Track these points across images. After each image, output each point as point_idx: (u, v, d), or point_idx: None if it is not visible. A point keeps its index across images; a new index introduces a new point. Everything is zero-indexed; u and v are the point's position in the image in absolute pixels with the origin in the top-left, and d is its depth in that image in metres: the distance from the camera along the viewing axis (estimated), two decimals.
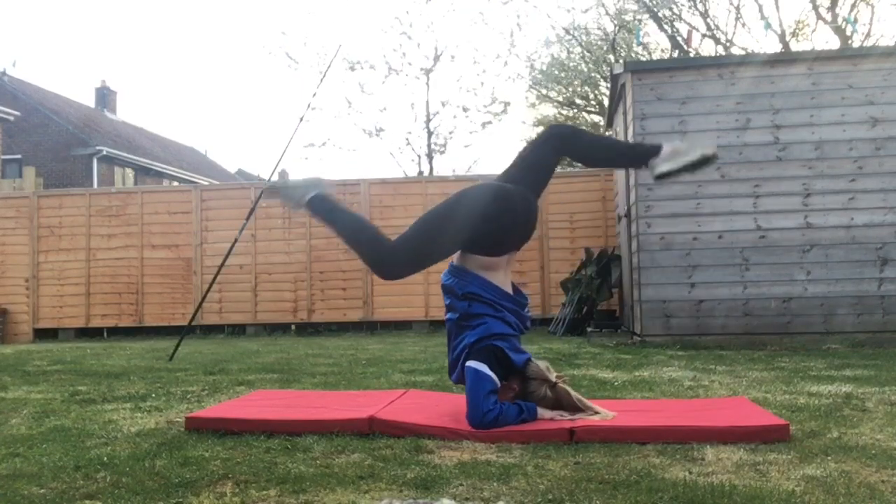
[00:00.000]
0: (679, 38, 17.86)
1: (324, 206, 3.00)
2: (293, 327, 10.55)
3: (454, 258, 2.97)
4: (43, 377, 4.85)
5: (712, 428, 2.57)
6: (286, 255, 10.57)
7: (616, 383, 4.08)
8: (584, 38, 19.36)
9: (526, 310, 2.99)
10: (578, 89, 20.81)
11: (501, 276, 2.92)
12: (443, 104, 20.57)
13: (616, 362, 5.18)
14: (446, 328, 3.00)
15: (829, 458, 2.30)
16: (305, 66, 28.89)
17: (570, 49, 20.12)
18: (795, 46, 16.88)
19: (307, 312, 10.45)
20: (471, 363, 2.75)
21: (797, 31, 17.37)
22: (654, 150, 2.96)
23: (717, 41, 17.70)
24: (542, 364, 2.85)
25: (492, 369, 2.74)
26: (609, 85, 11.92)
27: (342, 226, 3.01)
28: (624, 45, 18.72)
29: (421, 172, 19.70)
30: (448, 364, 2.99)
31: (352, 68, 19.28)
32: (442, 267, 2.97)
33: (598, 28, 19.27)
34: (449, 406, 3.07)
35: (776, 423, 2.62)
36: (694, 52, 17.30)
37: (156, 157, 24.53)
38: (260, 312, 10.56)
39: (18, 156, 20.49)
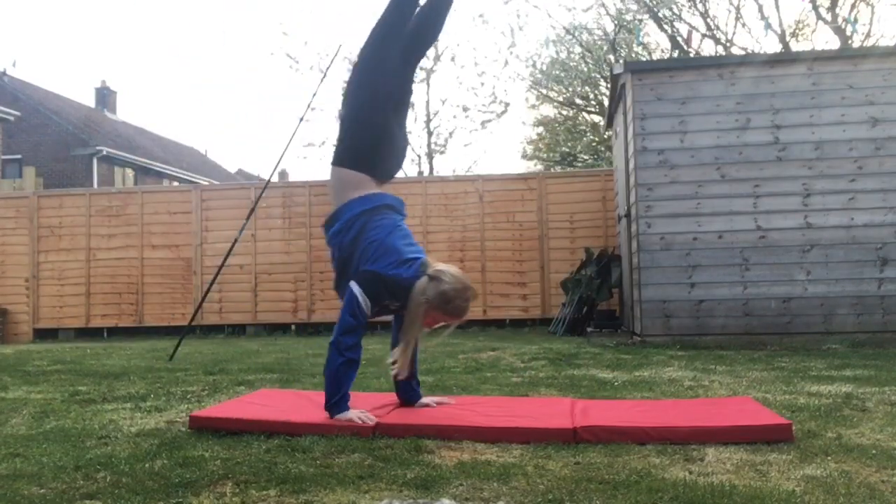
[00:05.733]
0: (679, 38, 17.86)
1: None
2: (293, 327, 10.55)
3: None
4: (43, 377, 4.85)
5: (716, 427, 2.57)
6: (286, 255, 10.56)
7: (616, 383, 4.08)
8: (584, 37, 19.36)
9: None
10: (578, 89, 20.80)
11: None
12: (442, 102, 20.56)
13: (616, 362, 5.18)
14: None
15: (829, 458, 2.30)
16: (306, 66, 28.88)
17: (571, 49, 20.12)
18: (795, 46, 16.88)
19: (307, 312, 10.45)
20: (353, 284, 2.83)
21: (797, 31, 17.37)
22: None
23: (717, 41, 17.70)
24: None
25: (373, 295, 2.80)
26: (609, 85, 11.92)
27: None
28: (624, 45, 18.71)
29: (421, 172, 19.69)
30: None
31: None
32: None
33: (599, 28, 19.29)
34: (454, 407, 3.08)
35: (779, 422, 2.62)
36: (694, 52, 17.30)
37: (156, 157, 24.53)
38: (260, 312, 10.56)
39: (18, 156, 20.48)
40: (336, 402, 2.76)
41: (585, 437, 2.53)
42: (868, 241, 6.48)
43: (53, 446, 2.62)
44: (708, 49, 18.05)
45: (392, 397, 3.26)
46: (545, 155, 23.10)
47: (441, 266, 2.77)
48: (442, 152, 20.61)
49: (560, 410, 2.93)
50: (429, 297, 2.71)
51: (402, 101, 3.10)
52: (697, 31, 18.00)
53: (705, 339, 6.50)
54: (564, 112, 22.43)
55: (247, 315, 10.57)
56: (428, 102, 20.31)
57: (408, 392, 3.12)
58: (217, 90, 68.61)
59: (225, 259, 6.93)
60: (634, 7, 17.60)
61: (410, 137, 20.54)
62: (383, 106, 2.99)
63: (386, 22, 3.02)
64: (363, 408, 3.01)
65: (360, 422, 2.70)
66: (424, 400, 3.13)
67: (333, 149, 3.05)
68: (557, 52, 20.14)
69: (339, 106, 3.05)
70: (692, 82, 6.82)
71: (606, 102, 16.08)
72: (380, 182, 3.02)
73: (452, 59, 25.17)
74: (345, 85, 3.05)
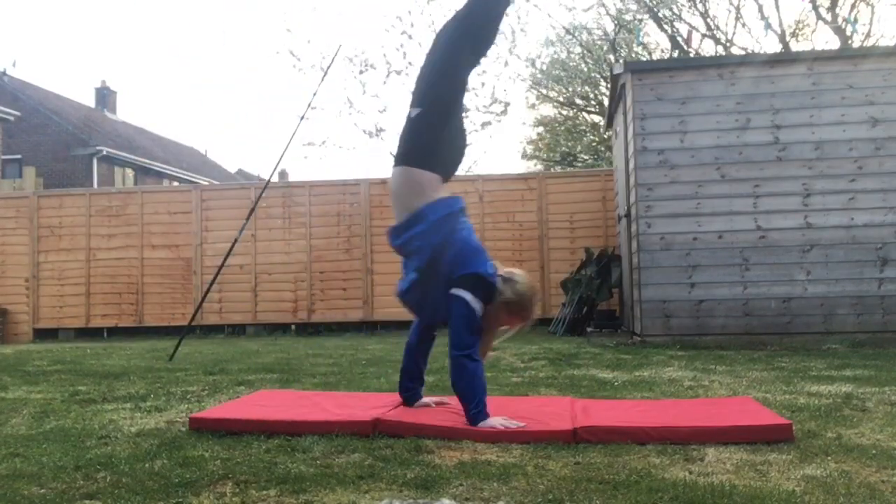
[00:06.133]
0: (679, 38, 17.87)
1: None
2: (293, 327, 10.55)
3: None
4: (43, 377, 4.85)
5: (716, 427, 2.57)
6: (286, 255, 10.56)
7: (616, 383, 4.08)
8: (584, 37, 19.36)
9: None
10: (578, 89, 20.81)
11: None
12: None
13: (616, 362, 5.18)
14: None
15: (829, 458, 2.30)
16: (307, 65, 28.90)
17: (571, 49, 20.12)
18: (795, 46, 16.89)
19: (307, 312, 10.45)
20: (461, 293, 2.76)
21: (797, 31, 17.37)
22: None
23: (717, 41, 17.71)
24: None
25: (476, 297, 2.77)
26: (609, 85, 11.92)
27: None
28: (624, 45, 18.72)
29: None
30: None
31: (361, 71, 19.26)
32: None
33: (599, 28, 19.29)
34: (454, 407, 3.07)
35: (779, 422, 2.62)
36: (694, 52, 17.30)
37: (156, 157, 24.53)
38: (260, 312, 10.56)
39: (18, 156, 20.48)
40: (480, 410, 2.70)
41: (585, 437, 2.52)
42: (868, 241, 6.48)
43: (53, 446, 2.62)
44: (708, 49, 18.07)
45: (391, 397, 3.26)
46: (545, 155, 23.11)
47: (510, 269, 2.86)
48: None
49: (560, 410, 2.93)
50: (505, 299, 2.77)
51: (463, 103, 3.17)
52: (697, 31, 18.02)
53: (705, 339, 6.51)
54: (564, 112, 22.44)
55: (247, 315, 10.57)
56: None
57: (409, 392, 3.12)
58: (217, 90, 68.65)
59: (225, 259, 6.93)
60: (634, 7, 17.61)
61: None
62: (459, 109, 3.06)
63: (478, 36, 2.99)
64: (364, 407, 3.01)
65: (504, 428, 2.62)
66: (424, 400, 3.14)
67: (402, 149, 2.96)
68: (557, 52, 20.16)
69: (412, 105, 2.95)
70: (692, 82, 6.82)
71: (606, 102, 16.08)
72: (445, 181, 3.01)
73: None
74: (420, 83, 2.97)
